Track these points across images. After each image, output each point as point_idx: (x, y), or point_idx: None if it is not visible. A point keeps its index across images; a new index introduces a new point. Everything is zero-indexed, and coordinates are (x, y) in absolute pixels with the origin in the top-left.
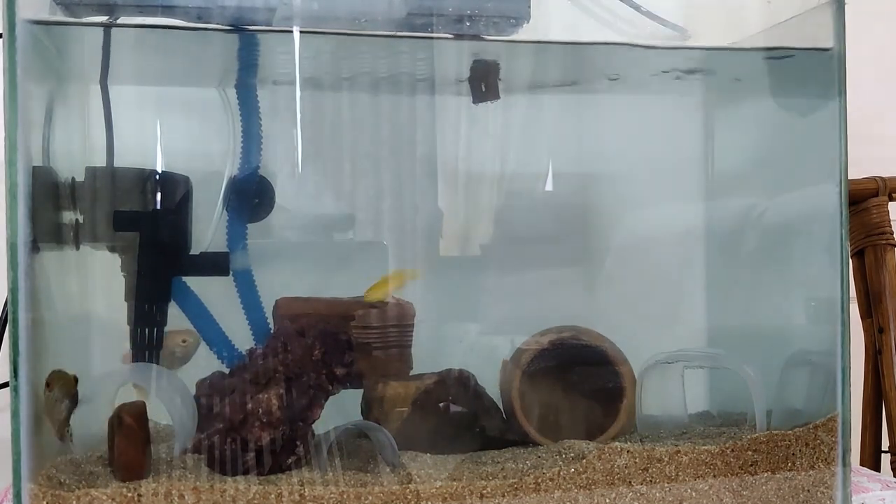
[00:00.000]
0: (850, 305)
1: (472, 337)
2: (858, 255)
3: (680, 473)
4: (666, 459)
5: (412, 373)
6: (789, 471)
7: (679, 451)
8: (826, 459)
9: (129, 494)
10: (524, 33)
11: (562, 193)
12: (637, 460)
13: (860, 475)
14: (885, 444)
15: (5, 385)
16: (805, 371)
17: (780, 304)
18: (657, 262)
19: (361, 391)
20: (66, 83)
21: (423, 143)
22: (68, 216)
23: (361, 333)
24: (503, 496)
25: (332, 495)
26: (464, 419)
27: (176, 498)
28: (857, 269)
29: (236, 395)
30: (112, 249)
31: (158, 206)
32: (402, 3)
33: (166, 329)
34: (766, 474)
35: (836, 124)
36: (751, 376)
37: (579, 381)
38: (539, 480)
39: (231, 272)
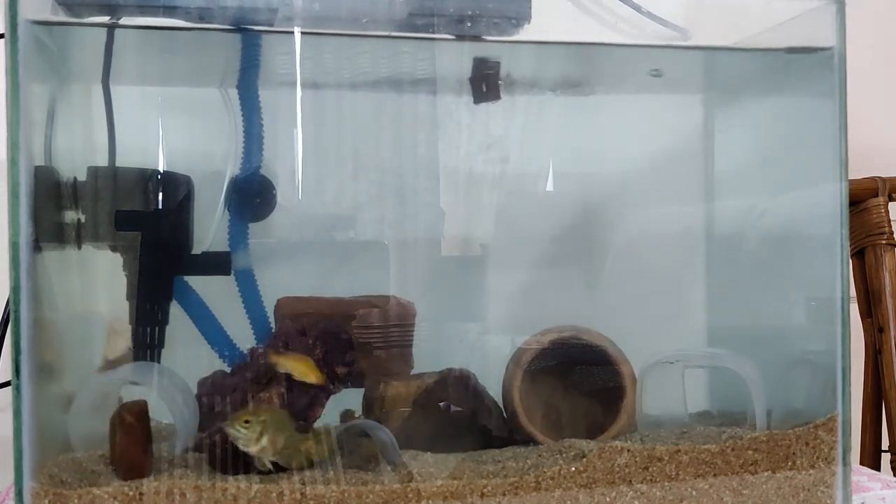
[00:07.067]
0: (850, 305)
1: (472, 336)
2: (858, 255)
3: (680, 472)
4: (666, 458)
5: (413, 372)
6: (789, 470)
7: (679, 451)
8: (826, 459)
9: (131, 493)
10: (525, 33)
11: (563, 193)
12: (637, 459)
13: (860, 474)
14: (885, 444)
15: (7, 384)
16: (805, 371)
17: (781, 303)
18: (658, 262)
19: (362, 390)
20: (68, 83)
21: (425, 142)
22: (70, 216)
23: (362, 333)
24: (504, 495)
25: (333, 494)
26: (464, 418)
27: (177, 496)
28: (857, 269)
29: (238, 393)
30: (114, 249)
31: (160, 206)
32: (403, 4)
33: None
34: (766, 473)
35: (836, 124)
36: (751, 376)
37: (580, 380)
38: (540, 479)
39: (232, 271)
